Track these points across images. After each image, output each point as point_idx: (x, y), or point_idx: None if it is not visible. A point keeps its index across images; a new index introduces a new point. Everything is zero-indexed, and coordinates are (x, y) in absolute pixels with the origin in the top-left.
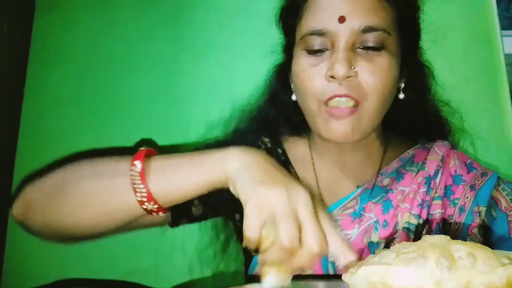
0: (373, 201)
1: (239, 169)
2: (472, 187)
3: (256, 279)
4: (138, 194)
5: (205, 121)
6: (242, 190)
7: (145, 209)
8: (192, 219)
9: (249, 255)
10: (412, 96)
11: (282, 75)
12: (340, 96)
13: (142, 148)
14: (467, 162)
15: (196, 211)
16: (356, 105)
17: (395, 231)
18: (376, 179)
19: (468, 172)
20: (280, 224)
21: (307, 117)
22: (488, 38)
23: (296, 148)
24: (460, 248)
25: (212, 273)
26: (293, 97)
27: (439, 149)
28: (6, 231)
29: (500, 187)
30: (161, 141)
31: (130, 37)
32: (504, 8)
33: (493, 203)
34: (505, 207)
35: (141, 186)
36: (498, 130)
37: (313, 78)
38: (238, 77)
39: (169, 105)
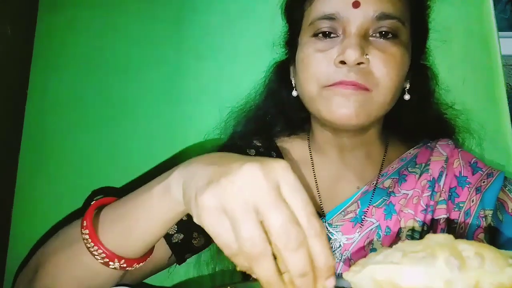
0: (374, 204)
1: (184, 188)
2: (477, 190)
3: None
4: (98, 257)
5: (207, 123)
6: (192, 211)
7: (115, 268)
8: (197, 251)
9: None
10: (416, 99)
11: (282, 71)
12: (346, 83)
13: (93, 202)
14: (472, 162)
15: (198, 242)
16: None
17: (398, 238)
18: (377, 181)
19: (473, 173)
20: (236, 227)
21: (307, 103)
22: (485, 39)
23: (293, 149)
24: (466, 248)
25: (210, 272)
26: (294, 93)
27: (442, 149)
28: (9, 232)
29: (507, 189)
30: (163, 143)
31: (133, 39)
32: (501, 10)
33: (499, 205)
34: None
35: (95, 247)
36: (495, 130)
37: (318, 63)
38: (240, 79)
39: (171, 106)
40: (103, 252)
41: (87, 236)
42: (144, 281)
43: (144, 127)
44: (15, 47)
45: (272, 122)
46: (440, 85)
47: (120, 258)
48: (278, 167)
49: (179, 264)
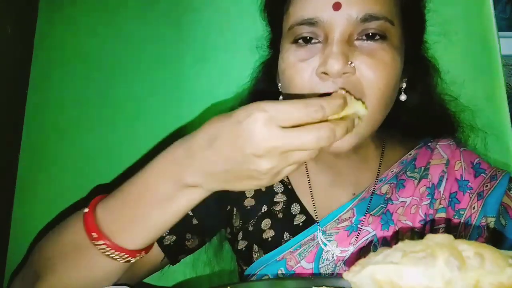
0: (371, 213)
1: (208, 181)
2: (479, 195)
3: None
4: (118, 256)
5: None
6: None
7: (118, 260)
8: (190, 251)
9: (247, 257)
10: (415, 98)
11: (269, 73)
12: None
13: (85, 210)
14: (475, 163)
15: (192, 243)
16: None
17: None
18: (374, 187)
19: (475, 176)
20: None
21: None
22: (485, 39)
23: None
24: (466, 248)
25: (208, 273)
26: (281, 98)
27: (443, 150)
28: (9, 232)
29: (511, 192)
30: (163, 142)
31: (132, 38)
32: (501, 10)
33: (502, 210)
34: None
35: (104, 246)
36: (494, 130)
37: (301, 75)
38: (240, 79)
39: (171, 106)
40: (108, 246)
41: (104, 246)
42: (144, 280)
43: (143, 126)
44: (15, 46)
45: None
46: (450, 79)
47: (123, 249)
48: (253, 117)
49: (173, 265)
